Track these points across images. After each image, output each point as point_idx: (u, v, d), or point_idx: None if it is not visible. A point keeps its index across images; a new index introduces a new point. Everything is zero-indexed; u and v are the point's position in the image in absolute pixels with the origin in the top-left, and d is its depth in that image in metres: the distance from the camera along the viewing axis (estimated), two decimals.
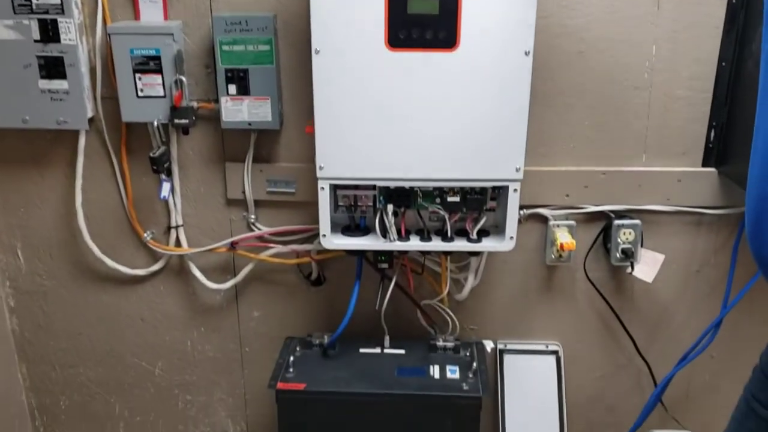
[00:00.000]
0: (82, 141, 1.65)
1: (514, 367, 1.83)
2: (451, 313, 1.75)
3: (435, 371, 1.61)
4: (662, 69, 1.58)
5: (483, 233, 1.55)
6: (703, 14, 1.54)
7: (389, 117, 1.39)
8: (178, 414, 1.97)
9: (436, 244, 1.54)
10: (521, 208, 1.61)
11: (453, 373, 1.61)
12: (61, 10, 1.48)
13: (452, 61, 1.35)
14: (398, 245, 1.53)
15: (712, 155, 1.64)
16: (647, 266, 1.67)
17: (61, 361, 1.92)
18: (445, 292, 1.69)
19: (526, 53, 1.34)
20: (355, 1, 1.31)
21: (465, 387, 1.55)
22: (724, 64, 1.56)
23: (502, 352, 1.83)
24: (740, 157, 1.56)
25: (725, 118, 1.60)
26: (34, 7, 1.48)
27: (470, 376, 1.58)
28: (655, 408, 1.76)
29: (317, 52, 1.35)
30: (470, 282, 1.70)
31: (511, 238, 1.49)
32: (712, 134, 1.62)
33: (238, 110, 1.56)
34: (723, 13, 1.53)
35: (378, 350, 1.70)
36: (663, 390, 1.73)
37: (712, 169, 1.64)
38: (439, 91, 1.37)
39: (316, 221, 1.51)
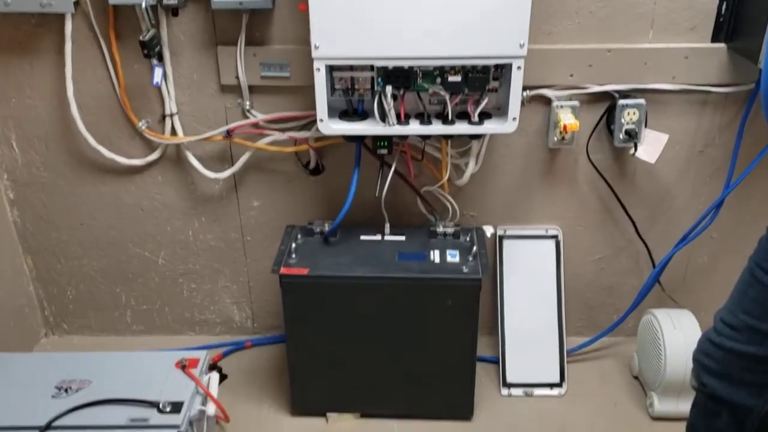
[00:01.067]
0: (68, 25, 1.59)
1: (513, 252, 1.85)
2: (451, 200, 1.75)
3: (435, 256, 1.62)
4: None
5: (484, 116, 1.52)
6: None
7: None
8: (184, 302, 2.01)
9: (437, 128, 1.51)
10: (524, 89, 1.57)
11: (453, 257, 1.62)
12: None
13: None
14: (397, 129, 1.50)
15: (723, 30, 1.58)
16: (650, 147, 1.64)
17: (65, 252, 1.94)
18: (446, 177, 1.68)
19: None
20: None
21: (465, 270, 1.56)
22: None
23: (501, 237, 1.84)
24: (753, 31, 1.49)
25: None
26: None
27: (470, 259, 1.60)
28: (652, 289, 1.79)
29: None
30: (471, 167, 1.69)
31: (514, 119, 1.46)
32: (724, 7, 1.56)
33: None
34: None
35: (378, 237, 1.71)
36: (662, 270, 1.75)
37: (722, 45, 1.59)
38: None
39: (313, 107, 1.47)
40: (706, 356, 1.07)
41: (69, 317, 2.05)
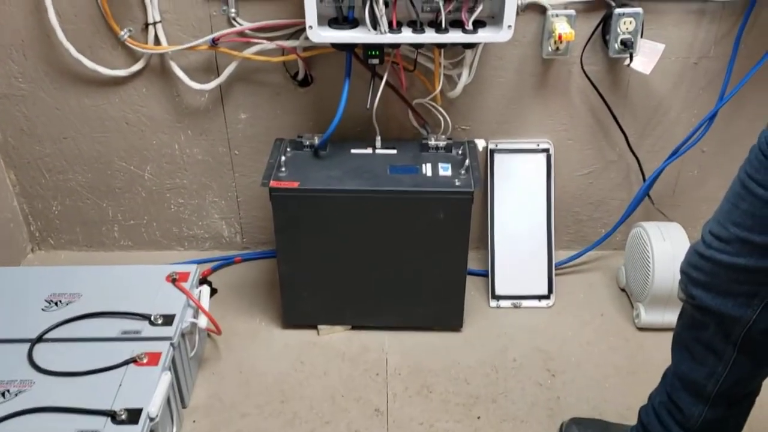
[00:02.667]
0: None
1: (504, 166, 1.84)
2: (443, 112, 1.72)
3: (427, 169, 1.61)
4: None
5: (479, 24, 1.48)
6: None
7: None
8: (171, 217, 2.00)
9: (430, 36, 1.47)
10: None
11: (445, 170, 1.61)
12: None
13: None
14: (389, 37, 1.46)
15: None
16: (646, 57, 1.62)
17: (49, 166, 1.90)
18: (438, 89, 1.65)
19: None
20: None
21: (457, 183, 1.56)
22: None
23: (493, 151, 1.83)
24: None
25: None
26: None
27: (462, 173, 1.59)
28: (642, 203, 1.80)
29: None
30: (464, 78, 1.66)
31: (509, 27, 1.43)
32: None
33: None
34: None
35: (369, 150, 1.69)
36: (652, 183, 1.76)
37: None
38: None
39: (301, 15, 1.43)
40: (694, 268, 1.08)
41: (55, 232, 2.04)
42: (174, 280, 1.58)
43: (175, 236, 2.04)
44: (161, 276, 1.60)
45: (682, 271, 1.11)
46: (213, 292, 1.84)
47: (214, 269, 1.99)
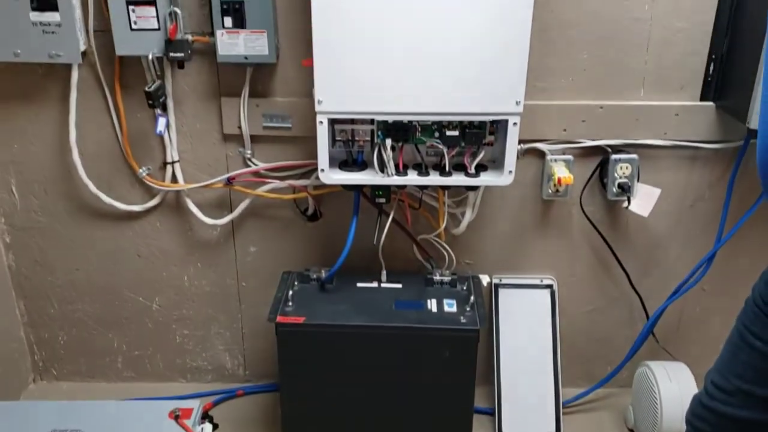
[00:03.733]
0: (75, 75, 1.62)
1: (509, 301, 1.86)
2: (447, 248, 1.77)
3: (432, 305, 1.63)
4: (663, 1, 1.56)
5: (481, 168, 1.56)
6: None
7: (388, 50, 1.37)
8: (176, 348, 2.00)
9: (434, 179, 1.54)
10: (519, 142, 1.60)
11: (450, 306, 1.63)
12: None
13: None
14: (396, 180, 1.53)
15: (711, 89, 1.63)
16: (643, 200, 1.68)
17: (59, 296, 1.93)
18: (443, 226, 1.70)
19: None
20: None
21: (462, 320, 1.57)
22: None
23: (497, 286, 1.86)
24: (739, 91, 1.55)
25: (725, 50, 1.58)
26: None
27: (467, 309, 1.61)
28: (646, 340, 1.80)
29: None
30: (467, 216, 1.71)
31: (510, 172, 1.50)
32: (711, 67, 1.61)
33: (234, 44, 1.53)
34: None
35: (375, 284, 1.72)
36: (655, 322, 1.77)
37: (710, 104, 1.64)
38: (440, 23, 1.35)
39: (313, 156, 1.51)
40: (698, 419, 1.07)
41: (59, 363, 2.03)
42: (176, 416, 1.56)
43: (179, 368, 2.03)
44: (163, 412, 1.58)
45: (688, 422, 1.10)
46: (215, 427, 1.81)
47: (216, 403, 1.96)
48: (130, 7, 1.50)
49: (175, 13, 1.51)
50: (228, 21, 1.51)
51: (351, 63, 1.38)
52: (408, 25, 1.35)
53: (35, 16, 1.51)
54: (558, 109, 1.65)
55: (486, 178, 1.54)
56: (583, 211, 1.75)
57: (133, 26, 1.52)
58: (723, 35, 1.57)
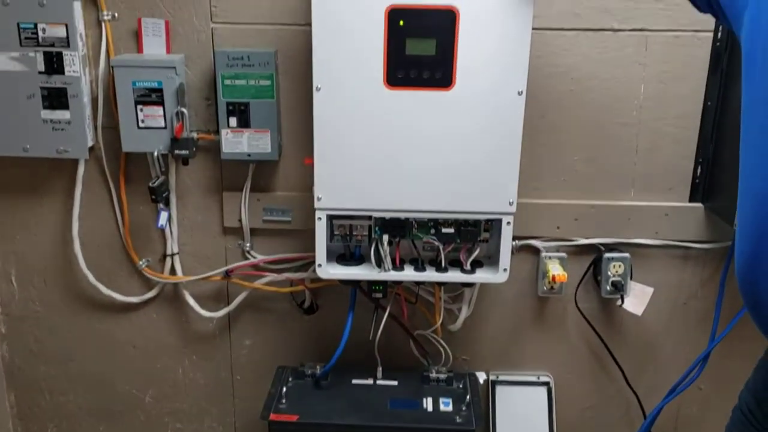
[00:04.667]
0: (81, 169, 1.67)
1: (506, 398, 1.85)
2: (444, 344, 1.77)
3: (428, 404, 1.62)
4: (650, 107, 1.63)
5: (476, 264, 1.58)
6: (689, 55, 1.59)
7: (387, 151, 1.43)
8: None
9: (431, 275, 1.56)
10: (513, 239, 1.63)
11: (446, 405, 1.62)
12: (67, 43, 1.51)
13: (448, 99, 1.39)
14: (393, 275, 1.55)
15: (699, 191, 1.68)
16: (636, 299, 1.70)
17: (51, 387, 1.91)
18: (439, 322, 1.71)
19: (519, 93, 1.39)
20: (355, 42, 1.36)
21: (458, 420, 1.56)
22: (709, 103, 1.62)
23: (494, 383, 1.85)
24: (726, 193, 1.60)
25: (711, 155, 1.65)
26: (40, 40, 1.50)
27: (463, 408, 1.60)
28: None
29: (318, 89, 1.38)
30: (464, 313, 1.73)
31: (505, 270, 1.52)
32: (699, 170, 1.67)
33: (238, 142, 1.58)
34: (708, 54, 1.59)
35: (370, 381, 1.71)
36: (652, 421, 1.75)
37: (699, 205, 1.69)
38: (435, 127, 1.41)
39: (311, 249, 1.53)
40: None
41: None
42: None
43: None
44: None
45: None
46: None
47: None
48: (139, 107, 1.56)
49: (182, 113, 1.57)
50: (233, 121, 1.57)
51: (350, 162, 1.43)
52: (405, 129, 1.41)
53: (46, 113, 1.57)
54: (551, 207, 1.70)
55: (481, 276, 1.56)
56: (578, 308, 1.76)
57: (141, 124, 1.57)
58: (709, 140, 1.63)
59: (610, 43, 1.59)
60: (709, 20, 1.54)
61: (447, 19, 1.35)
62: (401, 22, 1.35)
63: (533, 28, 1.36)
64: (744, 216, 0.95)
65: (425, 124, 1.41)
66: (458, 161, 1.43)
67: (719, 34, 1.57)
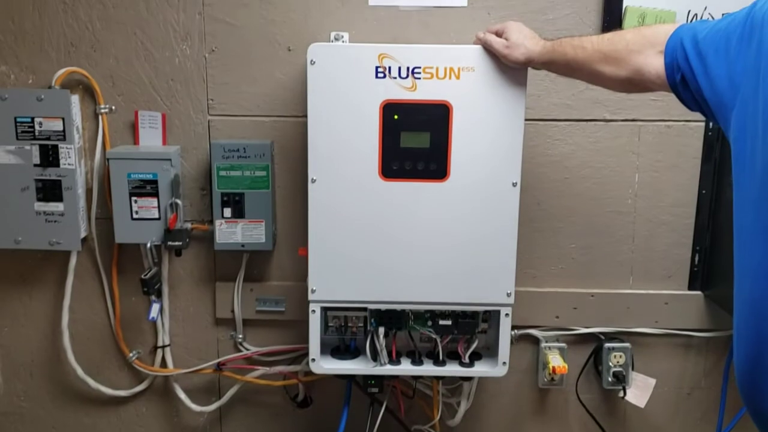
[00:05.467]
0: (73, 261, 1.65)
1: None
2: None
3: None
4: (645, 195, 1.63)
5: (475, 355, 1.55)
6: (682, 145, 1.61)
7: (382, 243, 1.41)
8: None
9: (428, 369, 1.52)
10: (512, 328, 1.60)
11: None
12: (63, 136, 1.52)
13: (443, 191, 1.39)
14: (389, 369, 1.51)
15: (698, 279, 1.67)
16: (639, 390, 1.66)
17: None
18: (437, 417, 1.66)
19: (514, 184, 1.39)
20: (350, 134, 1.37)
21: None
22: (704, 191, 1.62)
23: None
24: (725, 282, 1.59)
25: (708, 243, 1.64)
26: (36, 133, 1.51)
27: None
28: None
29: (313, 180, 1.38)
30: (463, 407, 1.68)
31: (504, 363, 1.48)
32: (697, 258, 1.66)
33: (232, 232, 1.57)
34: (701, 143, 1.60)
35: None
36: None
37: (698, 293, 1.67)
38: (430, 218, 1.40)
39: (305, 340, 1.50)
40: None
41: None
42: None
43: None
44: None
45: None
46: None
47: None
48: (133, 198, 1.55)
49: (176, 204, 1.56)
50: (227, 211, 1.56)
51: (345, 254, 1.42)
52: (400, 220, 1.40)
53: (40, 205, 1.56)
54: (550, 296, 1.67)
55: (480, 369, 1.52)
56: (580, 400, 1.71)
57: (135, 215, 1.56)
58: (705, 228, 1.63)
59: (603, 133, 1.61)
60: None
61: (441, 113, 1.36)
62: (396, 116, 1.37)
63: (526, 119, 1.37)
64: (741, 320, 0.93)
65: (420, 215, 1.40)
66: (454, 252, 1.42)
67: (710, 124, 1.59)
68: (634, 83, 1.14)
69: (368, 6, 1.56)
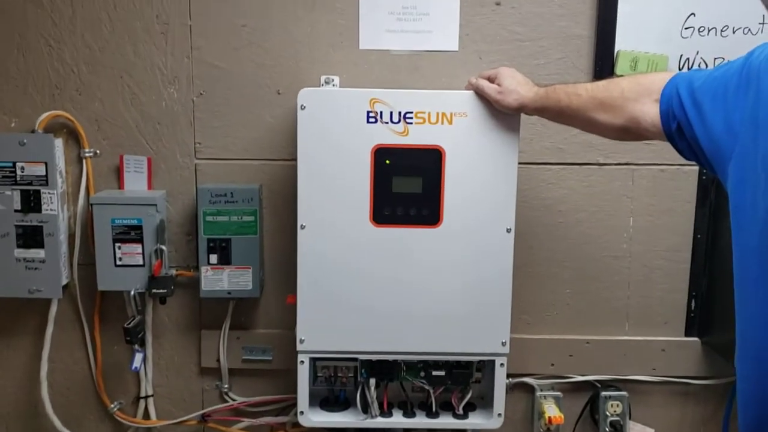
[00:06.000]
0: (53, 309, 1.59)
1: None
2: None
3: None
4: (640, 240, 1.61)
5: (469, 406, 1.50)
6: (677, 188, 1.59)
7: (373, 290, 1.38)
8: None
9: (421, 421, 1.48)
10: (507, 377, 1.56)
11: None
12: (45, 181, 1.48)
13: (435, 237, 1.36)
14: (380, 422, 1.46)
15: (695, 325, 1.64)
16: None
17: None
18: None
19: (508, 230, 1.36)
20: (341, 179, 1.34)
21: None
22: (699, 236, 1.60)
23: None
24: (722, 328, 1.56)
25: (705, 289, 1.61)
26: (18, 178, 1.47)
27: None
28: None
29: (303, 227, 1.35)
30: None
31: (500, 415, 1.44)
32: (693, 304, 1.63)
33: (218, 279, 1.53)
34: (695, 187, 1.59)
35: None
36: None
37: (696, 339, 1.64)
38: (423, 265, 1.37)
39: (292, 389, 1.45)
40: None
41: None
42: None
43: None
44: None
45: None
46: None
47: None
48: (117, 244, 1.51)
49: (161, 250, 1.52)
50: (214, 258, 1.52)
51: (335, 302, 1.38)
52: (392, 268, 1.37)
53: (20, 252, 1.51)
54: (545, 343, 1.64)
55: (474, 422, 1.47)
56: None
57: (118, 262, 1.52)
58: (701, 274, 1.61)
59: (597, 176, 1.59)
60: None
61: (433, 158, 1.34)
62: (388, 161, 1.34)
63: (518, 163, 1.35)
64: (745, 378, 0.90)
65: (413, 262, 1.37)
66: (448, 301, 1.38)
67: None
68: (630, 131, 1.13)
69: (359, 50, 1.54)
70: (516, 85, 1.27)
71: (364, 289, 1.38)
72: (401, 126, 1.33)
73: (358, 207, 1.35)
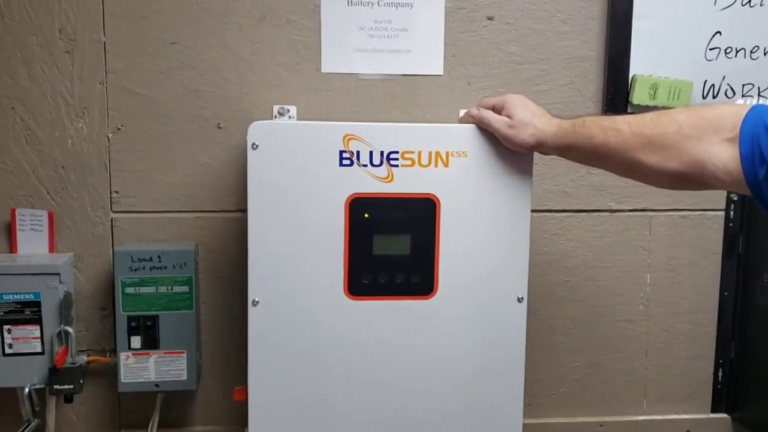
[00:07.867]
0: None
1: None
2: None
3: None
4: (659, 300, 1.37)
5: None
6: (700, 238, 1.36)
7: (347, 383, 1.07)
8: None
9: None
10: None
11: None
12: None
13: (428, 310, 1.07)
14: None
15: (723, 399, 1.41)
16: None
17: None
18: None
19: (520, 300, 1.08)
20: (305, 240, 1.02)
21: None
22: (726, 293, 1.37)
23: None
24: (756, 401, 1.33)
25: (734, 355, 1.38)
26: None
27: None
28: None
29: (255, 303, 1.03)
30: None
31: None
32: (720, 374, 1.39)
33: (143, 368, 1.19)
34: (721, 236, 1.36)
35: None
36: None
37: (725, 416, 1.40)
38: (411, 349, 1.07)
39: None
40: None
41: None
42: None
43: None
44: None
45: None
46: None
47: None
48: (6, 327, 1.15)
49: (66, 333, 1.17)
50: (136, 341, 1.18)
51: (297, 398, 1.06)
52: (372, 352, 1.07)
53: None
54: (551, 428, 1.38)
55: None
56: None
57: (8, 350, 1.16)
58: (730, 338, 1.38)
59: (609, 225, 1.34)
60: (719, 197, 1.33)
61: (425, 211, 1.04)
62: (367, 215, 1.04)
63: None
64: None
65: (399, 345, 1.07)
66: (443, 392, 1.09)
67: (731, 213, 1.34)
68: (689, 178, 0.86)
69: (320, 74, 1.25)
70: (531, 117, 0.99)
71: (336, 381, 1.06)
72: (384, 170, 1.03)
73: (329, 275, 1.04)
